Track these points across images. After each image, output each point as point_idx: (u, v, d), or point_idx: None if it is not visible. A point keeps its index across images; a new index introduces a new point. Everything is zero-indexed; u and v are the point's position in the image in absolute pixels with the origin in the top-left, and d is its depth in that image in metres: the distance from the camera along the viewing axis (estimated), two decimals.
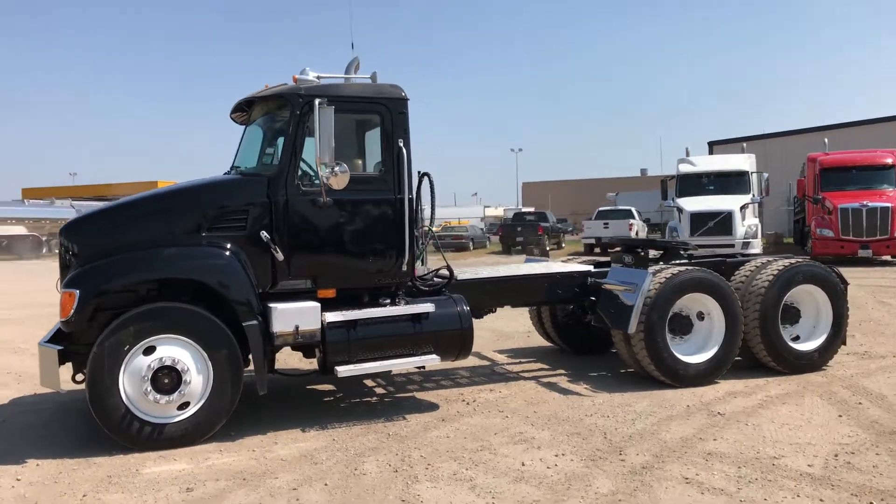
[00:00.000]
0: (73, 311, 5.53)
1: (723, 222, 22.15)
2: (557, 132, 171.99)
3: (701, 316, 7.41)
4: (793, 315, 7.79)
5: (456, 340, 6.58)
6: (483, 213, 75.42)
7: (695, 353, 7.33)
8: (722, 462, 5.12)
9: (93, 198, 51.16)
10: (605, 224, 32.19)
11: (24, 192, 59.61)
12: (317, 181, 6.09)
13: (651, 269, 7.41)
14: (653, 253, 8.65)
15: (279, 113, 6.43)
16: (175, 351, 5.68)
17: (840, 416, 6.14)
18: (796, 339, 7.78)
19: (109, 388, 5.54)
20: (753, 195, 22.98)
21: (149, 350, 5.64)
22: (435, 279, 7.20)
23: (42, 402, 7.23)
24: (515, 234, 36.96)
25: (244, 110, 7.11)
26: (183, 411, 5.74)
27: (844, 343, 7.97)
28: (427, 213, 7.15)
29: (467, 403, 6.88)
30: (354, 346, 6.19)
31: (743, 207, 22.38)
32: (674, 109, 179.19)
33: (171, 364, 5.63)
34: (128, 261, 5.76)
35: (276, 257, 6.06)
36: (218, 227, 6.03)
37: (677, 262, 8.04)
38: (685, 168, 24.45)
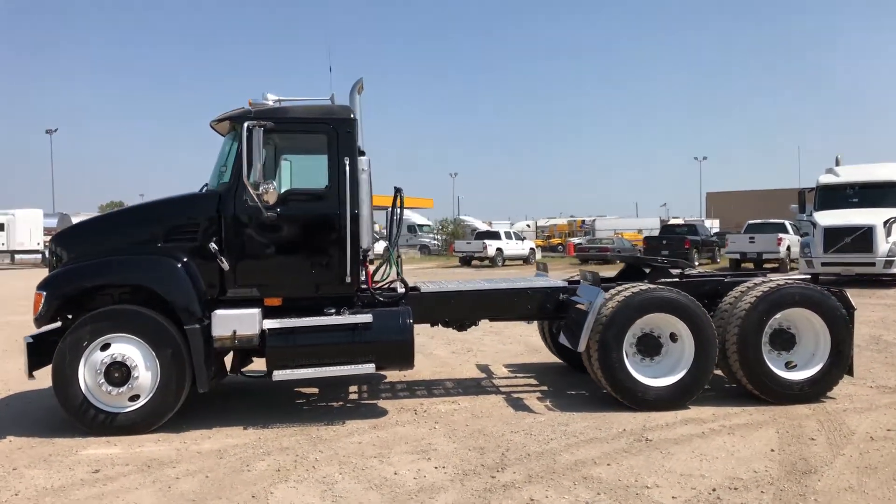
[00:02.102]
0: (41, 309, 6.42)
1: (862, 238, 20.19)
2: (747, 138, 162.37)
3: (674, 338, 7.07)
4: (787, 341, 7.19)
5: (394, 351, 6.79)
6: (659, 224, 73.31)
7: (665, 375, 7.01)
8: (588, 487, 4.96)
9: None
10: (750, 238, 30.25)
11: None
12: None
13: (619, 287, 7.19)
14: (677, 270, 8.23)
15: (233, 134, 6.99)
16: (126, 348, 6.38)
17: (772, 450, 5.66)
18: (793, 366, 7.19)
19: (70, 378, 6.34)
20: None
21: (105, 346, 6.38)
22: (399, 290, 7.44)
23: None
24: (660, 247, 35.67)
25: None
26: (134, 403, 6.43)
27: (850, 374, 7.25)
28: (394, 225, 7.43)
29: (415, 413, 7.05)
30: (291, 352, 6.59)
31: (888, 222, 20.25)
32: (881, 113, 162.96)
33: (121, 360, 6.34)
34: (86, 268, 6.58)
35: (223, 267, 6.61)
36: (173, 238, 6.69)
37: (665, 280, 7.70)
38: (827, 179, 22.46)
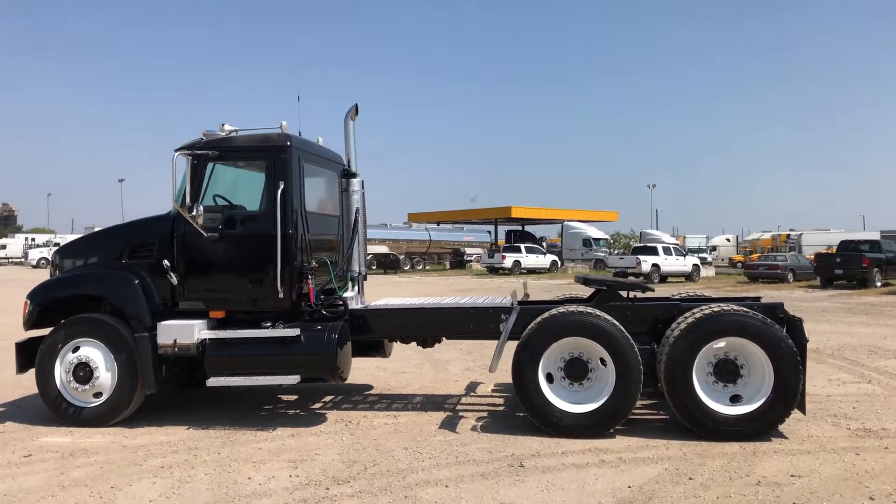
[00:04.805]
0: (26, 315, 7.55)
1: None
2: None
3: (604, 362, 6.80)
4: (732, 372, 6.64)
5: (317, 364, 7.15)
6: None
7: (590, 401, 6.77)
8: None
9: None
10: None
11: (409, 216, 66.12)
12: (210, 219, 7.29)
13: (554, 310, 7.02)
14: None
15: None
16: (91, 351, 7.32)
17: (629, 487, 5.36)
18: (739, 400, 6.63)
19: (48, 375, 7.39)
20: None
21: (76, 349, 7.37)
22: (348, 306, 7.78)
23: None
24: (834, 265, 32.43)
25: None
26: (97, 399, 7.35)
27: (802, 411, 6.55)
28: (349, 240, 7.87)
29: (346, 425, 7.35)
30: (224, 361, 7.18)
31: None
32: None
33: (85, 361, 7.29)
34: (58, 280, 7.63)
35: (172, 282, 7.37)
36: (135, 255, 7.57)
37: (613, 303, 7.36)
38: None
